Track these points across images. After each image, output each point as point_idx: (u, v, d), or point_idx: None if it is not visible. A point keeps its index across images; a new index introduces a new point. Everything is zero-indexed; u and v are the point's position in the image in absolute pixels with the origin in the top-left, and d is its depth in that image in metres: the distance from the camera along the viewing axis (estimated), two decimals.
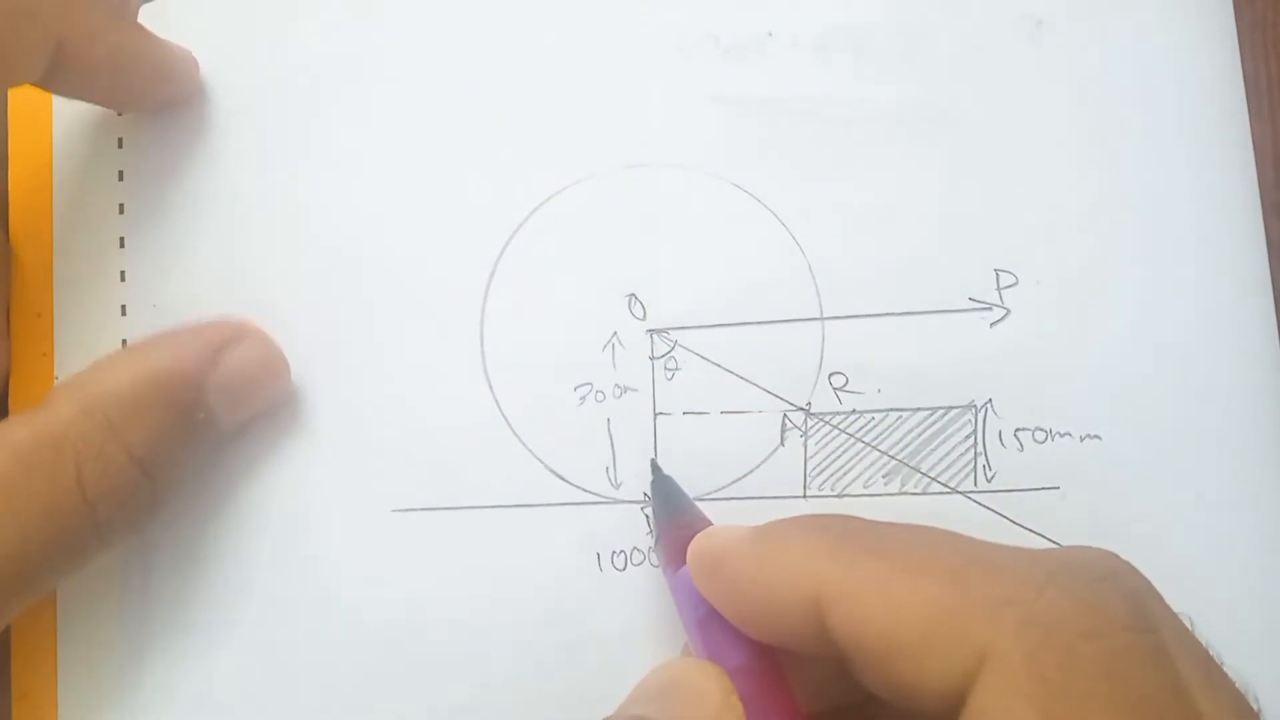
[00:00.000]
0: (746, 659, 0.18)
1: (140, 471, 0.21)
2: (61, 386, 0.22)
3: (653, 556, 0.24)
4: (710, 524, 0.21)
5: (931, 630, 0.15)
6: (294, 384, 0.25)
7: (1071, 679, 0.14)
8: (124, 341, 0.26)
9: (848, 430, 0.25)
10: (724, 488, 0.24)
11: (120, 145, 0.26)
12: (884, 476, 0.24)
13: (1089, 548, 0.17)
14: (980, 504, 0.24)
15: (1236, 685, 0.16)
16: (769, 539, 0.18)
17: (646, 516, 0.24)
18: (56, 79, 0.23)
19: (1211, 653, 0.16)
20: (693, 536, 0.20)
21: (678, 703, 0.18)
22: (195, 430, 0.23)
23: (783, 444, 0.25)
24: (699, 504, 0.24)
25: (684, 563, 0.20)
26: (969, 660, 0.14)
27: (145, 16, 0.26)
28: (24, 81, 0.23)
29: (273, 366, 0.24)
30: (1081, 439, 0.24)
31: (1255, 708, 0.16)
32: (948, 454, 0.24)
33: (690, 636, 0.20)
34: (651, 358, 0.25)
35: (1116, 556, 0.17)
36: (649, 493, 0.24)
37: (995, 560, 0.16)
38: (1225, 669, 0.16)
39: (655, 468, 0.24)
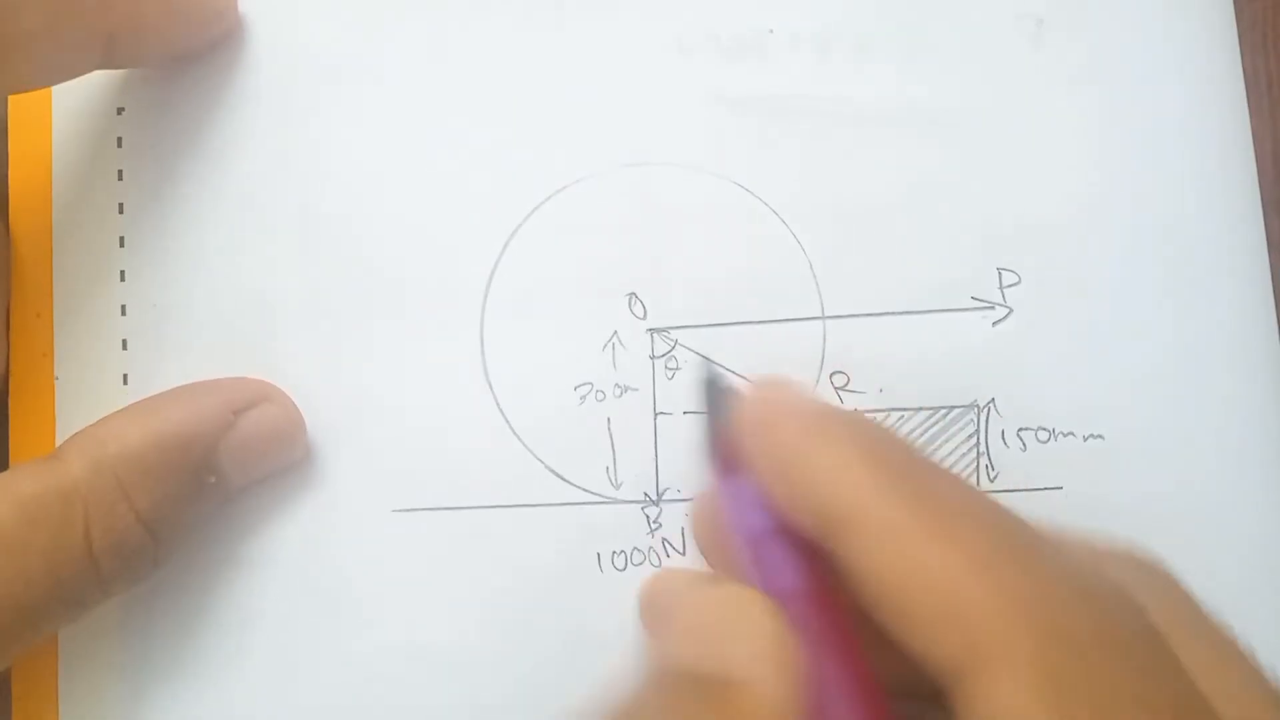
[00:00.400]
0: (799, 582, 0.16)
1: (146, 531, 0.21)
2: (74, 440, 0.22)
3: (653, 556, 0.24)
4: None
5: (948, 606, 0.14)
6: (295, 384, 0.25)
7: (1084, 683, 0.14)
8: (124, 342, 0.26)
9: None
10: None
11: (120, 145, 0.26)
12: None
13: (1129, 547, 0.16)
14: None
15: (1270, 681, 0.16)
16: (816, 423, 0.17)
17: (647, 517, 0.24)
18: (109, 65, 0.24)
19: (1249, 655, 0.16)
20: None
21: (728, 642, 0.16)
22: (204, 493, 0.23)
23: None
24: None
25: (737, 471, 0.18)
26: (977, 645, 0.14)
27: None
28: (78, 76, 0.23)
29: (289, 432, 0.24)
30: (1084, 439, 0.24)
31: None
32: (950, 454, 0.24)
33: (742, 554, 0.18)
34: (652, 357, 0.25)
35: (1144, 561, 0.16)
36: (700, 388, 0.21)
37: (1025, 546, 0.15)
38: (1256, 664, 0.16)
39: (709, 368, 0.21)
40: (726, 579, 0.18)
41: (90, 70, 0.24)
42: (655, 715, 0.15)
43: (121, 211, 0.26)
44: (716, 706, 0.15)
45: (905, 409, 0.24)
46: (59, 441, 0.25)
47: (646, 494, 0.24)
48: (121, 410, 0.23)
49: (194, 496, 0.22)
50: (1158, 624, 0.15)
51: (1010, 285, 0.25)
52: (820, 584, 0.16)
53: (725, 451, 0.19)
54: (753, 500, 0.17)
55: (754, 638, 0.16)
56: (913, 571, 0.15)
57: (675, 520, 0.24)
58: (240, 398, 0.23)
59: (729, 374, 0.23)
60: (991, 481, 0.24)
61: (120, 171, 0.26)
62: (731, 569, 0.18)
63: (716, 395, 0.20)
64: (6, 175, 0.26)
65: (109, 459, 0.21)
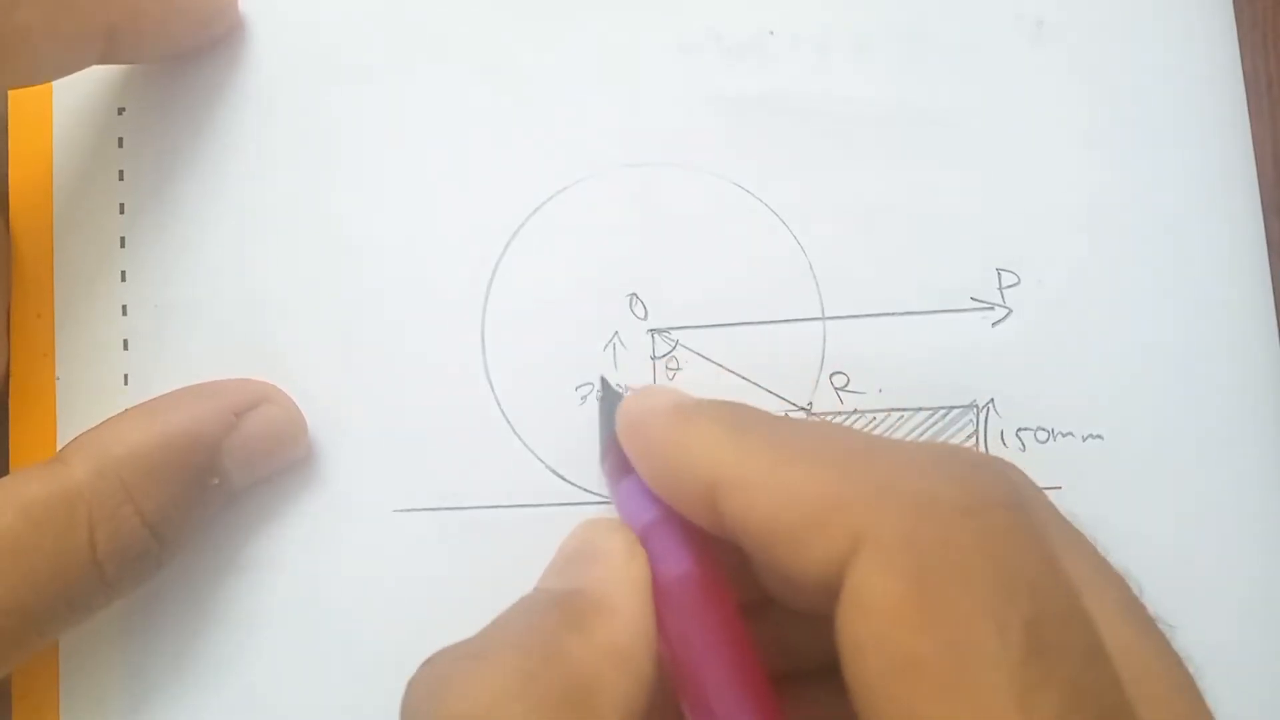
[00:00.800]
0: (690, 566, 0.18)
1: (150, 534, 0.21)
2: (77, 444, 0.22)
3: None
4: None
5: (813, 513, 0.15)
6: (296, 385, 0.25)
7: (946, 553, 0.14)
8: (125, 342, 0.26)
9: None
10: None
11: (121, 145, 0.26)
12: None
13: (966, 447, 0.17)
14: None
15: (1116, 567, 0.16)
16: (681, 414, 0.18)
17: None
18: (109, 60, 0.24)
19: (1090, 540, 0.17)
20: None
21: (585, 565, 0.18)
22: (207, 494, 0.23)
23: None
24: None
25: (625, 474, 0.20)
26: (848, 541, 0.15)
27: None
28: (77, 71, 0.23)
29: (291, 432, 0.24)
30: (1084, 439, 0.24)
31: (1137, 589, 0.16)
32: None
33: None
34: (653, 357, 0.25)
35: (995, 455, 0.17)
36: (600, 405, 0.24)
37: (874, 449, 0.16)
38: (1107, 556, 0.17)
39: (606, 384, 0.24)
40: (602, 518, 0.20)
41: (90, 65, 0.24)
42: (518, 626, 0.17)
43: (122, 211, 0.26)
44: (572, 619, 0.17)
45: (905, 409, 0.25)
46: (60, 442, 0.25)
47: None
48: (124, 413, 0.23)
49: (197, 498, 0.22)
50: (1029, 494, 0.16)
51: (1010, 286, 0.25)
52: (705, 567, 0.18)
53: (614, 458, 0.20)
54: (639, 497, 0.19)
55: (610, 560, 0.18)
56: (779, 495, 0.16)
57: None
58: (242, 399, 0.23)
59: (622, 390, 0.24)
60: None
61: (121, 172, 0.26)
62: None
63: (609, 408, 0.22)
64: (7, 175, 0.26)
65: (112, 462, 0.21)
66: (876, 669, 0.14)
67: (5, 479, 0.21)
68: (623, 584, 0.17)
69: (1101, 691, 0.14)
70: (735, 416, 0.18)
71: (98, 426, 0.22)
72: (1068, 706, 0.13)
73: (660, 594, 0.18)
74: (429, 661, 0.17)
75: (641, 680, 0.16)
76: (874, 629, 0.14)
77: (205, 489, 0.22)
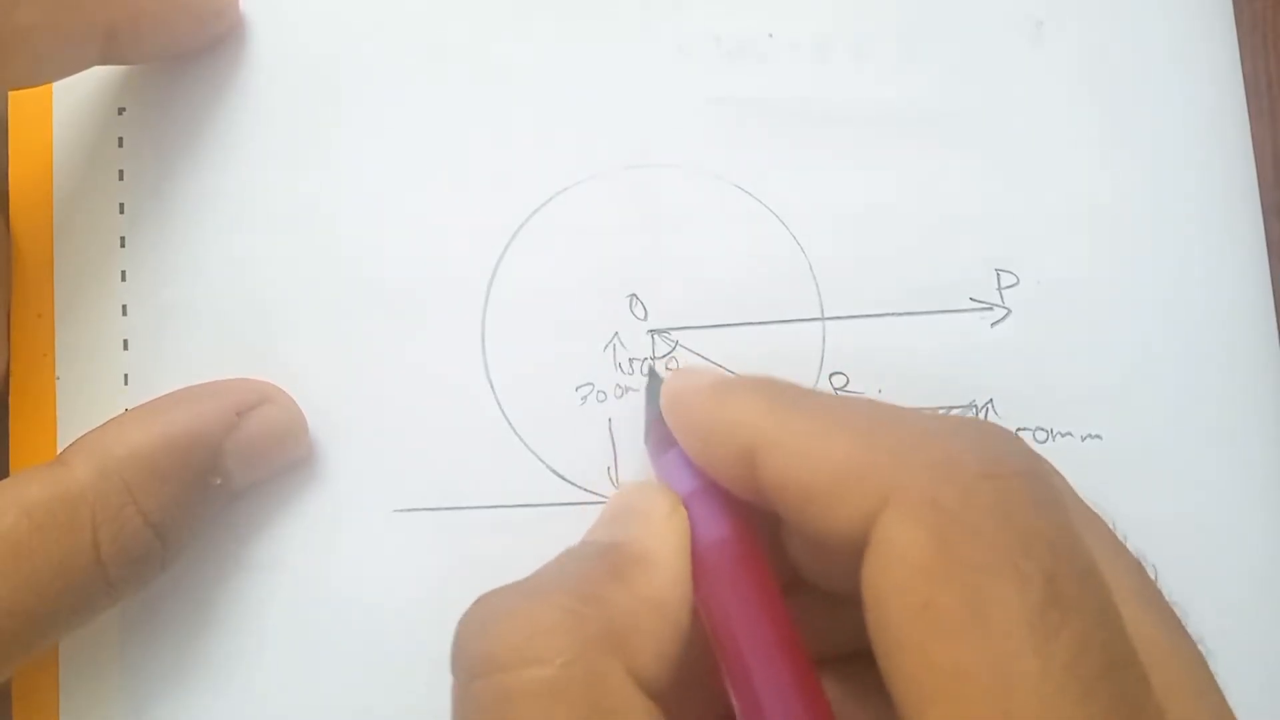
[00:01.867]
0: (729, 530, 0.19)
1: (154, 534, 0.21)
2: (79, 445, 0.22)
3: None
4: None
5: (842, 475, 0.16)
6: (297, 385, 0.25)
7: (968, 511, 0.15)
8: (125, 342, 0.26)
9: None
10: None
11: (120, 144, 0.26)
12: None
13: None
14: None
15: (1132, 553, 0.17)
16: (720, 390, 0.19)
17: None
18: (109, 60, 0.24)
19: (1110, 525, 0.17)
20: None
21: (629, 521, 0.19)
22: (210, 494, 0.23)
23: None
24: None
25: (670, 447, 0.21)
26: (876, 499, 0.15)
27: None
28: (78, 72, 0.23)
29: (292, 430, 0.24)
30: (1082, 439, 0.24)
31: (1152, 575, 0.17)
32: None
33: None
34: (653, 358, 0.25)
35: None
36: (646, 386, 0.24)
37: (904, 417, 0.17)
38: (1123, 539, 0.17)
39: (653, 371, 0.24)
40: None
41: (90, 66, 0.24)
42: (565, 572, 0.18)
43: (122, 211, 0.26)
44: (615, 568, 0.18)
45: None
46: (60, 442, 0.25)
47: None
48: (125, 414, 0.23)
49: (200, 498, 0.22)
50: (1046, 469, 0.17)
51: (1008, 286, 0.25)
52: (743, 535, 0.19)
53: (657, 434, 0.21)
54: (682, 468, 0.20)
55: (652, 518, 0.19)
56: (813, 457, 0.16)
57: None
58: (243, 398, 0.23)
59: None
60: None
61: (121, 171, 0.26)
62: None
63: (654, 390, 0.22)
64: (7, 174, 0.26)
65: (115, 463, 0.21)
66: (898, 616, 0.14)
67: (7, 480, 0.21)
68: (664, 540, 0.18)
69: (1113, 642, 0.14)
70: (772, 388, 0.19)
71: (99, 427, 0.22)
72: (1081, 650, 0.14)
73: (699, 557, 0.19)
74: (480, 600, 0.18)
75: (678, 629, 0.17)
76: (897, 579, 0.15)
77: (207, 489, 0.22)
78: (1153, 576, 0.17)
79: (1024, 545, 0.14)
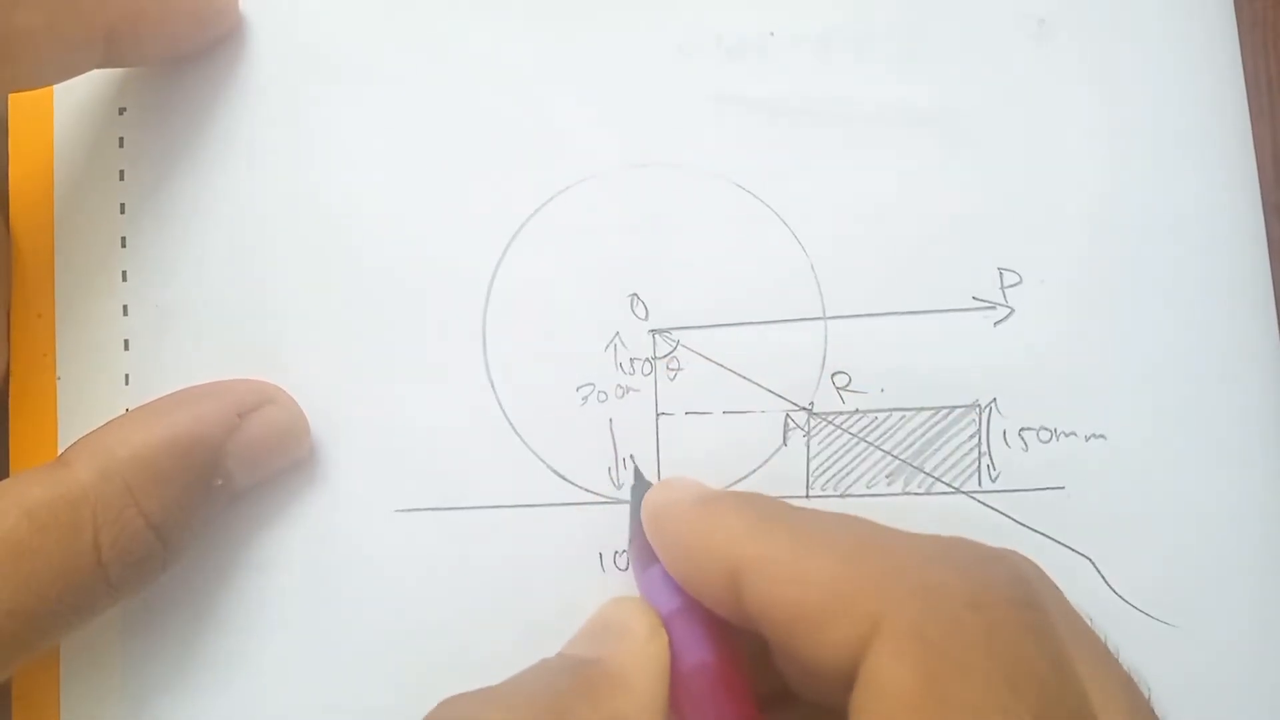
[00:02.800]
0: (711, 655, 0.19)
1: (155, 535, 0.21)
2: (80, 446, 0.22)
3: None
4: None
5: (828, 600, 0.16)
6: (298, 385, 0.25)
7: (954, 645, 0.15)
8: (125, 342, 0.26)
9: (851, 430, 0.24)
10: (726, 488, 0.24)
11: (121, 145, 0.26)
12: (887, 477, 0.24)
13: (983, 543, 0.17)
14: (984, 504, 0.24)
15: (1126, 669, 0.17)
16: (703, 505, 0.19)
17: None
18: (109, 63, 0.24)
19: (1103, 639, 0.17)
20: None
21: (607, 638, 0.19)
22: (211, 495, 0.23)
23: (785, 444, 0.24)
24: None
25: (650, 562, 0.21)
26: (862, 628, 0.15)
27: None
28: (78, 74, 0.23)
29: (294, 431, 0.24)
30: (1086, 438, 0.24)
31: (1145, 694, 0.17)
32: (951, 454, 0.24)
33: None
34: (654, 358, 0.25)
35: (1012, 550, 0.17)
36: (630, 494, 0.24)
37: (892, 540, 0.17)
38: (1118, 657, 0.17)
39: (638, 474, 0.24)
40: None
41: (90, 68, 0.24)
42: (535, 685, 0.18)
43: (123, 212, 0.26)
44: (586, 687, 0.17)
45: (907, 409, 0.24)
46: (61, 442, 0.25)
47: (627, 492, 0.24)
48: (127, 415, 0.23)
49: (201, 499, 0.22)
50: (1041, 590, 0.16)
51: (1011, 285, 0.25)
52: (724, 659, 0.19)
53: (639, 545, 0.21)
54: (663, 586, 0.20)
55: (631, 638, 0.19)
56: (798, 581, 0.16)
57: None
58: (245, 399, 0.23)
59: (649, 481, 0.24)
60: (993, 481, 0.24)
61: (122, 172, 0.26)
62: None
63: (637, 497, 0.22)
64: (7, 175, 0.26)
65: (117, 464, 0.21)
66: None
67: (8, 481, 0.21)
68: (640, 662, 0.18)
69: None
70: (756, 506, 0.19)
71: (101, 428, 0.22)
72: None
73: (679, 681, 0.18)
74: (446, 702, 0.17)
75: None
76: (884, 714, 0.14)
77: (209, 490, 0.22)
78: (1147, 695, 0.17)
79: (1011, 684, 0.14)
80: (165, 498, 0.21)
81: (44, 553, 0.20)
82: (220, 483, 0.22)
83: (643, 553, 0.21)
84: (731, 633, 0.19)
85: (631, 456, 0.25)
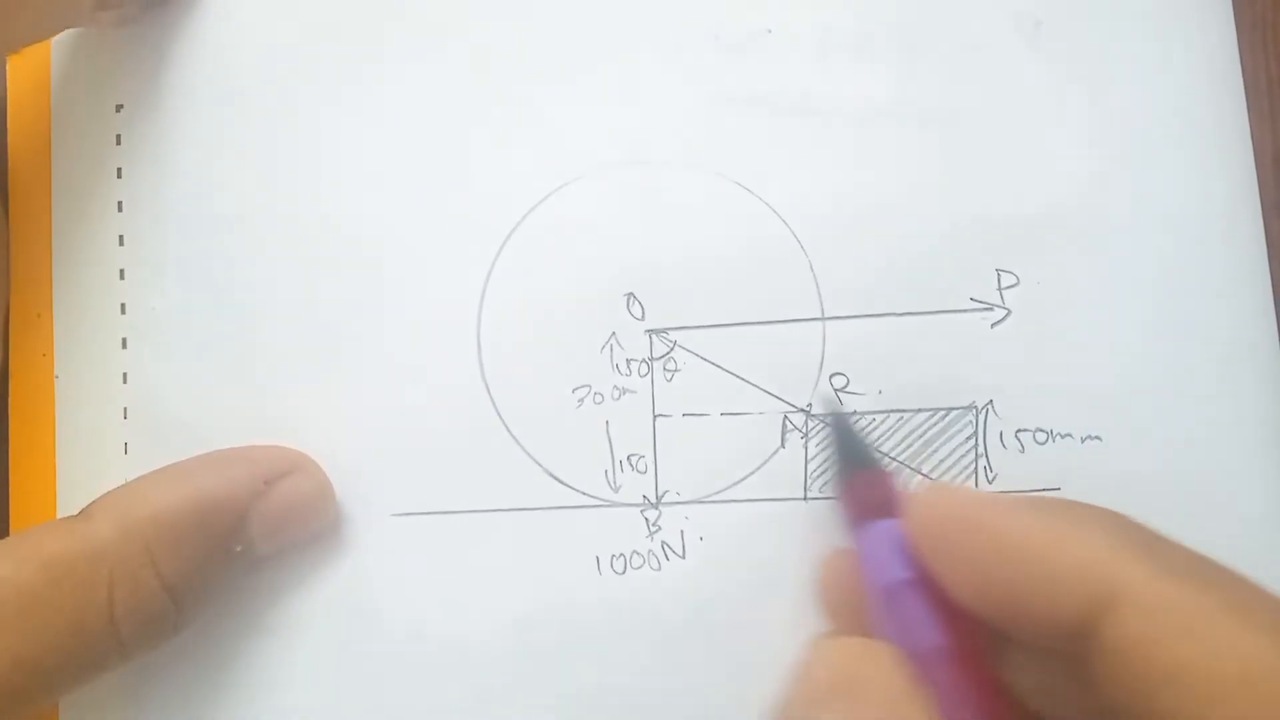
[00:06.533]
0: (946, 639, 0.16)
1: (169, 597, 0.21)
2: (105, 501, 0.22)
3: (652, 560, 0.24)
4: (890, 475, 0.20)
5: (1255, 690, 0.14)
6: (293, 385, 0.25)
7: None
8: (124, 340, 0.26)
9: None
10: (724, 490, 0.24)
11: (119, 142, 0.26)
12: None
13: None
14: None
15: None
16: (1059, 515, 0.17)
17: (646, 520, 0.24)
18: (103, 5, 0.24)
19: None
20: (882, 490, 0.19)
21: (854, 700, 0.16)
22: (230, 561, 0.22)
23: (783, 445, 0.24)
24: (698, 506, 0.24)
25: (874, 517, 0.18)
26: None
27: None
28: (74, 25, 0.23)
29: (319, 503, 0.24)
30: (1082, 440, 0.24)
31: None
32: (949, 455, 0.24)
33: (873, 606, 0.18)
34: (650, 359, 0.25)
35: None
36: (828, 433, 0.22)
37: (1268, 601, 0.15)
38: None
39: (837, 407, 0.22)
40: (849, 633, 0.18)
41: (85, 20, 0.23)
42: None
43: (121, 209, 0.26)
44: None
45: (904, 410, 0.24)
46: (59, 441, 0.25)
47: (645, 497, 0.24)
48: (153, 473, 0.23)
49: (220, 565, 0.22)
50: None
51: (1009, 287, 0.25)
52: (963, 641, 0.16)
53: (861, 500, 0.19)
54: (893, 551, 0.17)
55: (886, 691, 0.15)
56: (1206, 646, 0.14)
57: (674, 523, 0.24)
58: (272, 467, 0.23)
59: (857, 423, 0.23)
60: (990, 483, 0.24)
61: (119, 169, 0.26)
62: (859, 628, 0.18)
63: (845, 438, 0.21)
64: (6, 172, 0.26)
65: (139, 524, 0.21)
66: None
67: (29, 530, 0.21)
68: None
69: None
70: (1134, 529, 0.16)
71: (126, 485, 0.22)
72: None
73: (914, 663, 0.16)
74: None
75: None
76: None
77: (229, 555, 0.22)
78: None
79: None
80: (183, 561, 0.21)
81: (56, 605, 0.20)
82: (240, 549, 0.22)
83: (853, 504, 0.19)
84: (956, 608, 0.17)
85: (831, 379, 0.24)
